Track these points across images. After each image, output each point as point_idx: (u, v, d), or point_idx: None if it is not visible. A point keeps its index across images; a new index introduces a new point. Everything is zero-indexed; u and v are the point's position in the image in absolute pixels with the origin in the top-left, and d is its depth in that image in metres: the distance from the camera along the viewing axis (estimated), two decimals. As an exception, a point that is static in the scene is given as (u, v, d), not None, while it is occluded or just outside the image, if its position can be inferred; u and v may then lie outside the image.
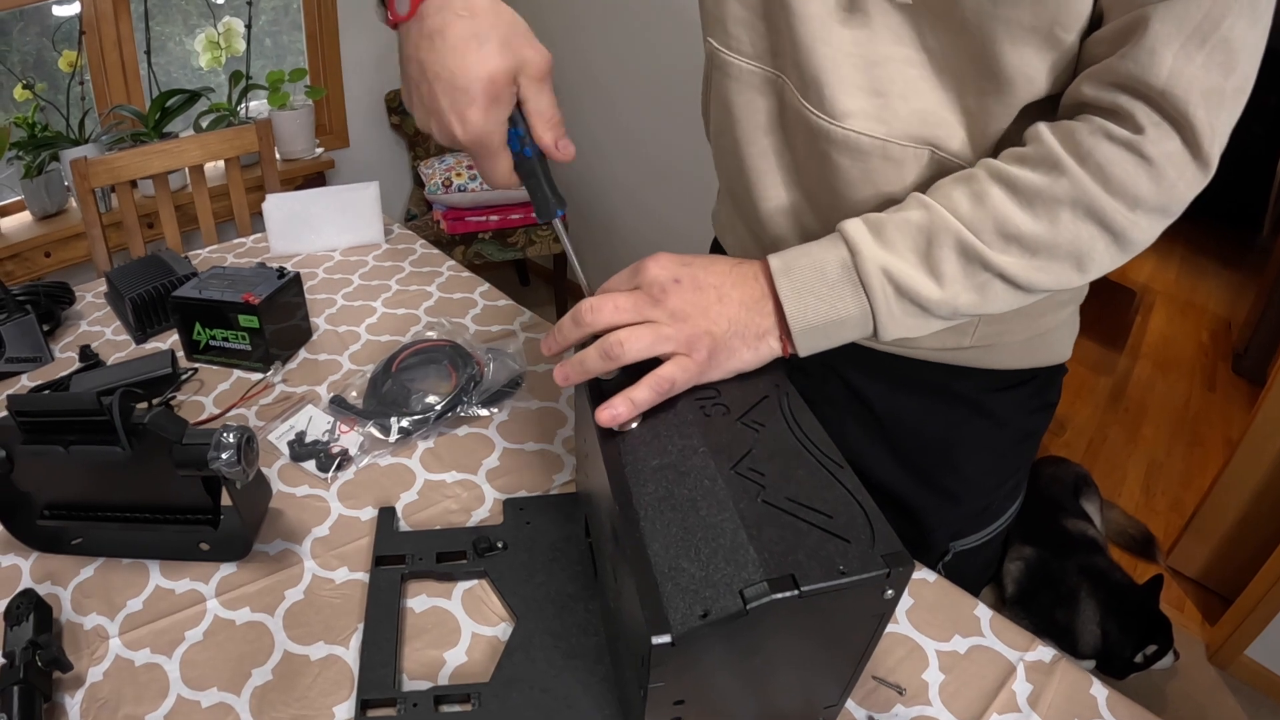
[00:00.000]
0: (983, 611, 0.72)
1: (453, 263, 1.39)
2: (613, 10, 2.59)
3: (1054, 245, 0.57)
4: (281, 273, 1.09)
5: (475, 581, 0.74)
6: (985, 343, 0.73)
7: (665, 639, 0.43)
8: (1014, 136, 0.61)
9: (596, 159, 3.04)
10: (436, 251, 1.44)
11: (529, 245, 2.83)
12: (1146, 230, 0.56)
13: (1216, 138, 0.53)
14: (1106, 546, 2.08)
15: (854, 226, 0.60)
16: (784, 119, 0.69)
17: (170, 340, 1.14)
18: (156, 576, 0.74)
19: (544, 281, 3.49)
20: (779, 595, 0.45)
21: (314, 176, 2.54)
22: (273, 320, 1.04)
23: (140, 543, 0.77)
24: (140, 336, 1.15)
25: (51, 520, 0.77)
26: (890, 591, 0.48)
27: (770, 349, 0.60)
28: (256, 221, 1.65)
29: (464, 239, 2.70)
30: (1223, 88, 0.52)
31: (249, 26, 2.36)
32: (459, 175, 2.66)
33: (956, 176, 0.60)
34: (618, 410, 0.56)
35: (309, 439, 0.89)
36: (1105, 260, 0.58)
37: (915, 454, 0.80)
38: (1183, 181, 0.54)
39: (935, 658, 0.68)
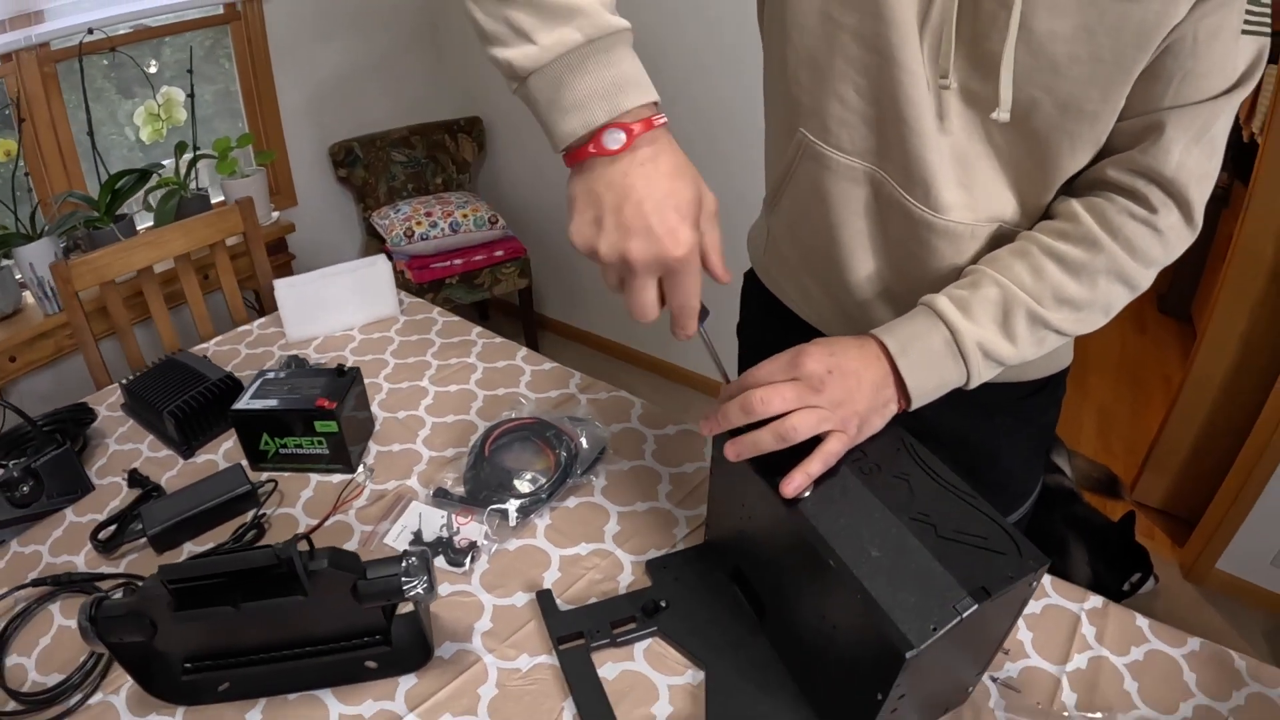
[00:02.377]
0: (1044, 577, 0.82)
1: (480, 329, 1.42)
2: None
3: (1093, 303, 0.74)
4: (341, 370, 1.11)
5: (650, 640, 0.81)
6: (1018, 365, 0.86)
7: (913, 652, 0.56)
8: (1049, 204, 0.76)
9: (554, 187, 3.08)
10: (457, 319, 1.47)
11: (495, 284, 2.86)
12: (1151, 280, 0.74)
13: (1201, 208, 0.71)
14: (1081, 494, 2.25)
15: (946, 306, 0.73)
16: (879, 205, 0.79)
17: (222, 450, 1.13)
18: (336, 705, 0.76)
19: (502, 315, 3.51)
20: (979, 604, 0.59)
21: (277, 243, 2.50)
22: (346, 421, 1.05)
23: (297, 675, 0.77)
24: (187, 451, 1.13)
25: (196, 674, 0.75)
26: (1035, 584, 0.65)
27: (892, 411, 0.73)
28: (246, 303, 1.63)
29: (432, 286, 2.71)
30: (1208, 171, 0.70)
31: (190, 95, 2.30)
32: (419, 224, 2.66)
33: (1013, 250, 0.75)
34: (797, 482, 0.67)
35: (428, 536, 0.92)
36: (1123, 305, 0.75)
37: (962, 454, 0.89)
38: (1180, 244, 0.73)
39: (1021, 620, 0.83)
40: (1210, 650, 0.80)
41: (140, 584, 0.71)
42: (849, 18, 0.69)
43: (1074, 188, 0.75)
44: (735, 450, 0.69)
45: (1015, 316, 0.72)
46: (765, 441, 0.67)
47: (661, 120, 0.62)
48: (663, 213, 0.60)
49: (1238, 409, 2.19)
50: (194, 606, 0.69)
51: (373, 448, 1.12)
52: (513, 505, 0.94)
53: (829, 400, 0.68)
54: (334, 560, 0.69)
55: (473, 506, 0.95)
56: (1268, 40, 0.64)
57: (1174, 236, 0.72)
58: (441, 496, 0.98)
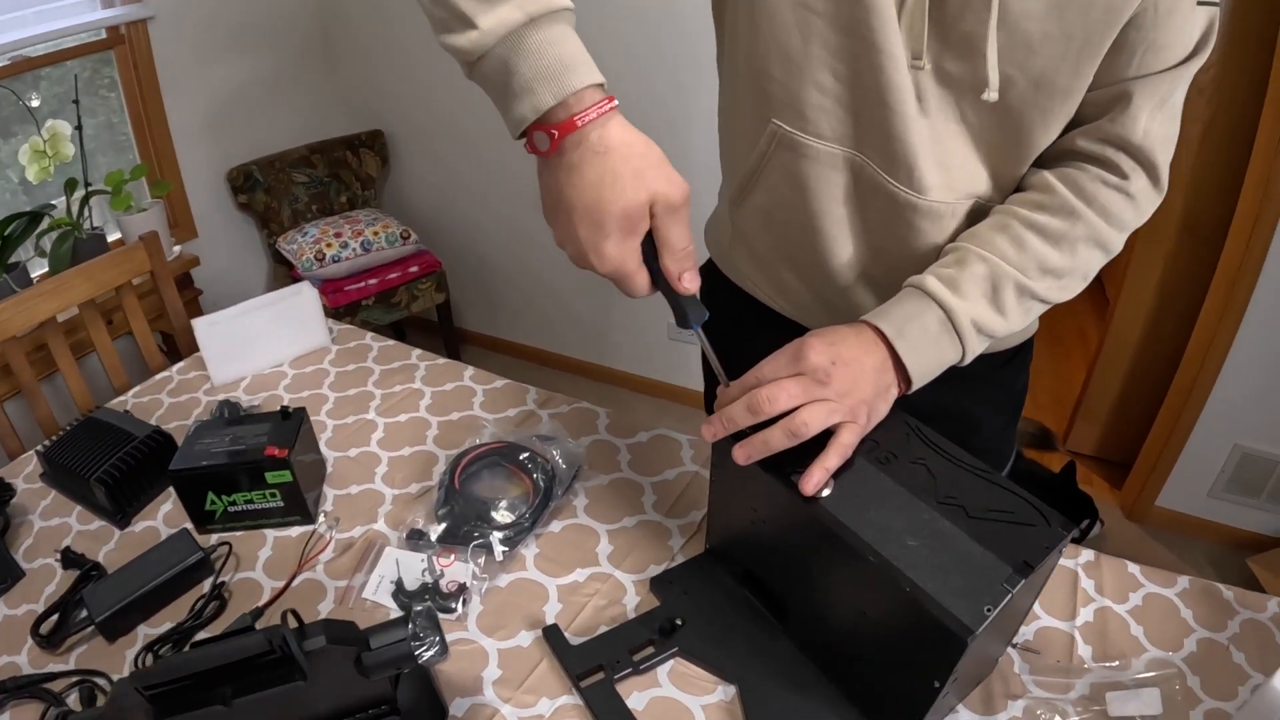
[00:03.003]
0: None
1: (420, 351, 1.35)
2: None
3: (1074, 270, 0.75)
4: (286, 413, 1.03)
5: (672, 662, 0.77)
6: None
7: (973, 636, 0.56)
8: (1022, 177, 0.78)
9: (465, 193, 2.99)
10: (393, 343, 1.40)
11: (413, 301, 2.77)
12: (1123, 243, 0.77)
13: (1167, 170, 0.74)
14: (1021, 450, 2.31)
15: (936, 286, 0.72)
16: (860, 190, 0.78)
17: (162, 515, 1.03)
18: (344, 777, 0.70)
19: (421, 333, 3.41)
20: (1025, 579, 0.59)
21: (182, 279, 2.34)
22: (299, 467, 0.97)
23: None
24: (122, 520, 1.02)
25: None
26: (1063, 550, 0.65)
27: (894, 396, 0.73)
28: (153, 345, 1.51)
29: (348, 309, 2.59)
30: (1171, 135, 0.73)
31: (78, 127, 2.12)
32: (329, 246, 2.55)
33: (993, 225, 0.75)
34: (816, 478, 0.66)
35: (410, 584, 0.86)
36: (1097, 269, 0.77)
37: (946, 426, 0.91)
38: (1149, 207, 0.76)
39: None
40: (1199, 586, 0.84)
41: (101, 682, 0.62)
42: (825, 5, 0.69)
43: (1044, 159, 0.76)
44: (746, 452, 0.68)
45: (1004, 290, 0.73)
46: (776, 440, 0.66)
47: (606, 108, 0.59)
48: (588, 227, 0.60)
49: (1159, 355, 2.28)
50: (178, 711, 0.61)
51: (329, 493, 1.04)
52: (496, 538, 0.88)
53: (836, 391, 0.67)
54: (332, 634, 0.62)
55: (453, 545, 0.89)
56: (1218, 10, 0.68)
57: (1144, 200, 0.75)
58: (417, 538, 0.91)
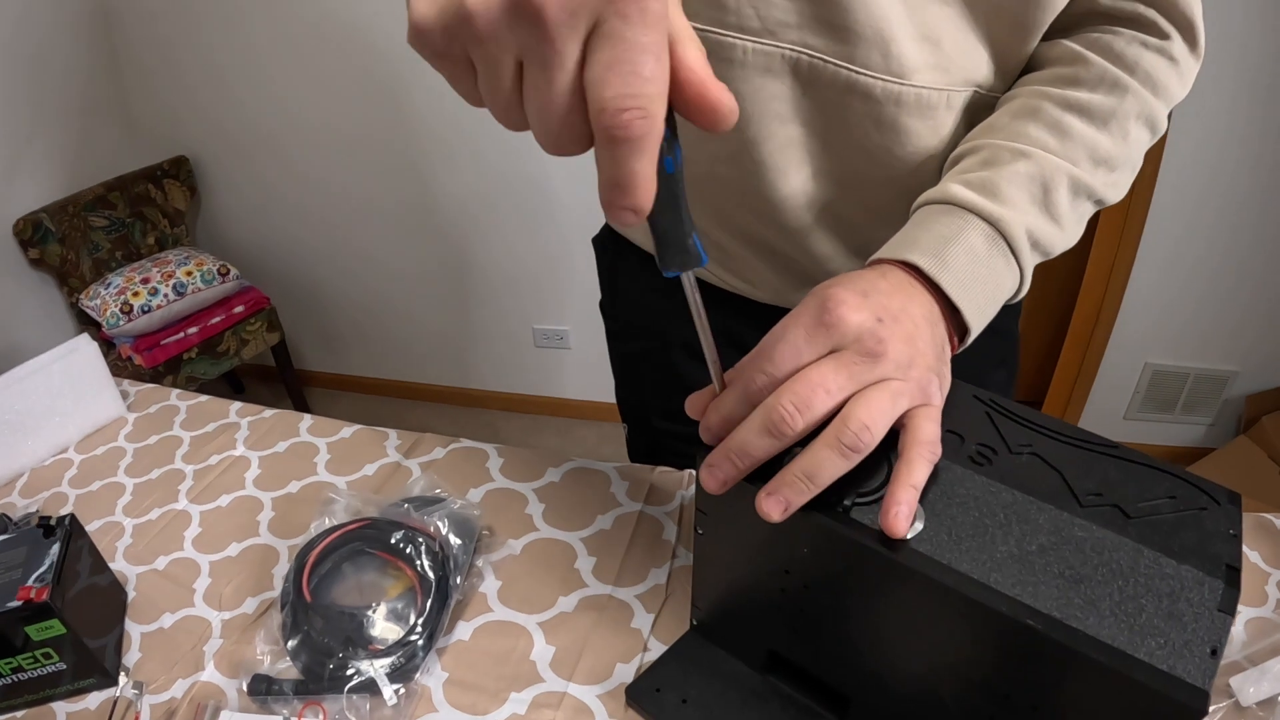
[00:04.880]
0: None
1: (240, 404, 1.04)
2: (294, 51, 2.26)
3: (1127, 158, 0.59)
4: (47, 527, 0.71)
5: None
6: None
7: (1207, 700, 0.37)
8: (1029, 56, 0.62)
9: (288, 218, 2.65)
10: (206, 398, 1.07)
11: (243, 347, 2.43)
12: (1166, 124, 0.61)
13: (1203, 30, 0.60)
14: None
15: (968, 195, 0.53)
16: (812, 97, 0.60)
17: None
18: None
19: (259, 382, 3.02)
20: (1236, 590, 0.40)
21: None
22: (80, 606, 0.66)
23: None
24: None
25: None
26: None
27: (949, 357, 0.51)
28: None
29: (169, 366, 2.21)
30: None
31: None
32: (136, 295, 2.16)
33: (1015, 112, 0.58)
34: (905, 508, 0.41)
35: (255, 761, 0.57)
36: (1141, 159, 0.61)
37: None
38: (1190, 75, 0.61)
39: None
40: (1251, 521, 0.70)
41: None
42: None
43: (1059, 28, 0.61)
44: (783, 502, 0.42)
45: (1057, 190, 0.55)
46: (827, 468, 0.41)
47: None
48: None
49: (1054, 286, 2.23)
50: None
51: (134, 631, 0.73)
52: (379, 669, 0.60)
53: (894, 365, 0.44)
54: None
55: (317, 694, 0.60)
56: None
57: (1186, 67, 0.60)
58: (263, 690, 0.62)
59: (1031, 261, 0.55)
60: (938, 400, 0.46)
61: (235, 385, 2.96)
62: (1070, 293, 2.13)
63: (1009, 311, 0.81)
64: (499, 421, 2.75)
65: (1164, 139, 1.82)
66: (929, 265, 0.50)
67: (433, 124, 2.29)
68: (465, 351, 2.75)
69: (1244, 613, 0.63)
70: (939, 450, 0.44)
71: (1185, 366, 2.13)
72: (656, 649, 0.62)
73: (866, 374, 0.43)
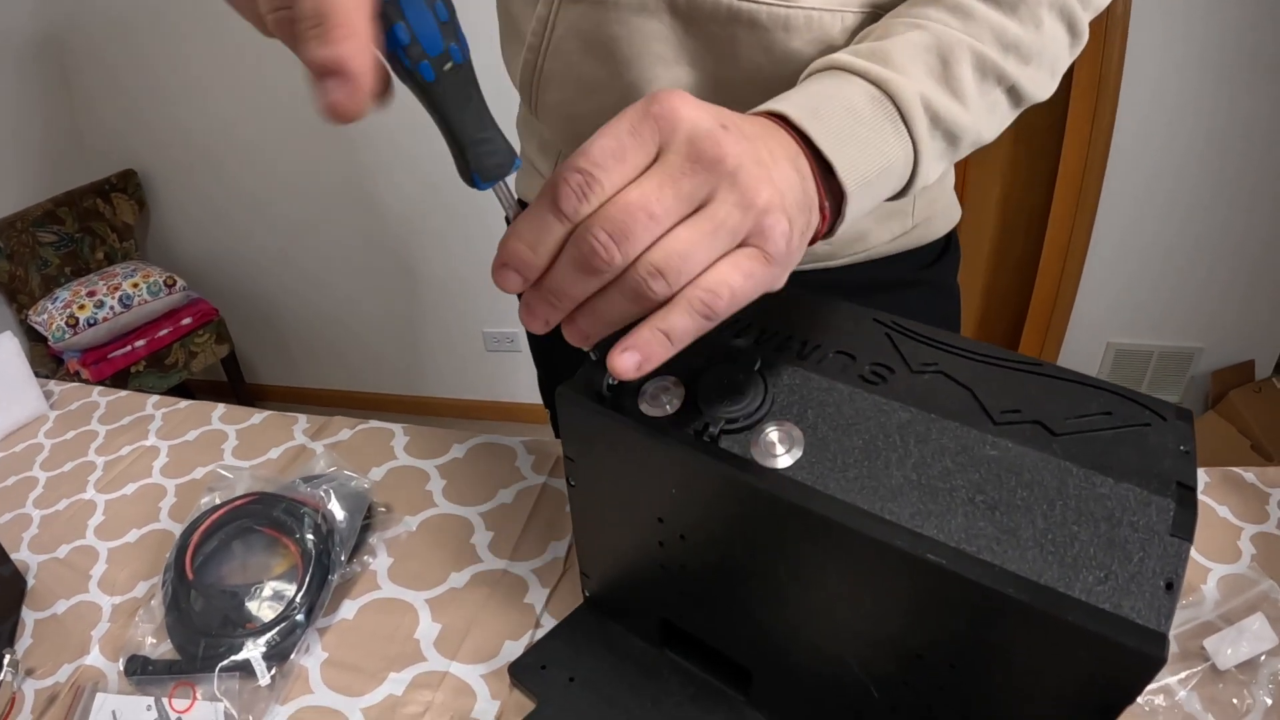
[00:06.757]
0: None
1: (158, 398, 1.02)
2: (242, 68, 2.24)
3: (1041, 51, 0.51)
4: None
5: None
6: (923, 217, 0.73)
7: (1165, 646, 0.30)
8: None
9: (236, 229, 2.60)
10: (125, 394, 1.05)
11: (191, 360, 2.39)
12: (1087, 29, 0.54)
13: None
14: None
15: (852, 60, 0.45)
16: (694, 34, 0.55)
17: None
18: None
19: (209, 396, 2.97)
20: (1192, 511, 0.34)
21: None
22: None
23: None
24: None
25: None
26: None
27: (815, 225, 0.40)
28: None
29: (115, 379, 2.18)
30: None
31: None
32: (82, 308, 2.13)
33: (913, 1, 0.51)
34: (631, 351, 0.34)
35: (123, 745, 0.55)
36: (1065, 64, 0.55)
37: None
38: None
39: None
40: (1219, 476, 0.68)
41: None
42: None
43: None
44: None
45: (958, 63, 0.47)
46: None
47: None
48: None
49: (1012, 272, 2.24)
50: None
51: (28, 619, 0.70)
52: (255, 651, 0.58)
53: (736, 184, 0.33)
54: None
55: (191, 674, 0.58)
56: None
57: None
58: (138, 672, 0.60)
59: (929, 135, 0.46)
60: (774, 247, 0.34)
61: (187, 398, 2.93)
62: (1028, 275, 2.12)
63: (947, 265, 0.77)
64: (454, 428, 2.72)
65: (1113, 115, 1.80)
66: (797, 113, 0.40)
67: (371, 137, 2.27)
68: (417, 359, 2.71)
69: (1216, 570, 0.59)
70: (729, 304, 0.34)
71: (1148, 345, 2.12)
72: (550, 626, 0.60)
73: (698, 189, 0.33)
